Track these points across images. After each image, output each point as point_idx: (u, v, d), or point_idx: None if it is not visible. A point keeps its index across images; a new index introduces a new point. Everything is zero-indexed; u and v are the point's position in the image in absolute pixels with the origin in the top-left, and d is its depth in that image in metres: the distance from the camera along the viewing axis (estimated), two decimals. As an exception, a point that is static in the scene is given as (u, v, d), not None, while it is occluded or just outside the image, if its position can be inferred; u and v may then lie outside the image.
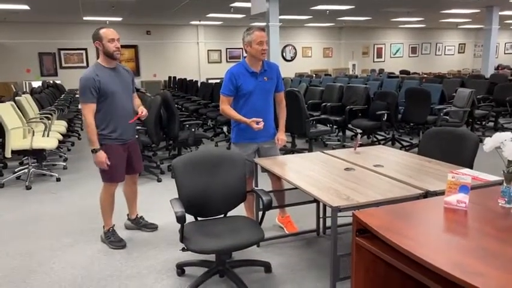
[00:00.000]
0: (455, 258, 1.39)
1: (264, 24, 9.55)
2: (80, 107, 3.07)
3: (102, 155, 2.97)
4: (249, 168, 3.00)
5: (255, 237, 2.39)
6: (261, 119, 2.98)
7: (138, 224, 3.49)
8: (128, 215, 3.51)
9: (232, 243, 2.36)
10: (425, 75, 13.64)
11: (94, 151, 2.97)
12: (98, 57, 3.08)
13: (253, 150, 3.16)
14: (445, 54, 20.87)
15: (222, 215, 2.68)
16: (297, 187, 2.44)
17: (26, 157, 5.16)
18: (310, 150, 5.52)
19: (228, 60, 16.56)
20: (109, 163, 3.01)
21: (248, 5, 9.05)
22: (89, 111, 2.93)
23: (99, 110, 2.98)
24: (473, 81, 8.68)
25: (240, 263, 2.79)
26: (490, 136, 1.89)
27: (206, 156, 2.69)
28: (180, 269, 2.75)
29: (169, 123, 5.25)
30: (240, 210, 2.78)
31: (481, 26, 12.73)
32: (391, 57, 19.61)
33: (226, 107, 3.12)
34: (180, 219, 2.24)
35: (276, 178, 3.15)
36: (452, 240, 1.57)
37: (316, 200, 3.02)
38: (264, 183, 3.14)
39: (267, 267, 2.74)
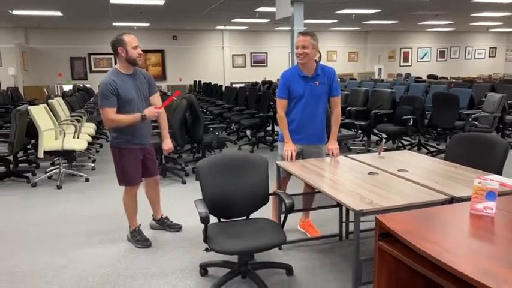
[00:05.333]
0: (482, 264, 1.37)
1: (288, 28, 9.57)
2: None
3: (150, 109, 3.07)
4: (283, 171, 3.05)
5: (277, 239, 2.40)
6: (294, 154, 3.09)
7: (163, 224, 3.56)
8: (152, 215, 3.59)
9: (254, 245, 2.38)
10: (453, 80, 13.31)
11: (143, 117, 3.03)
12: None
13: (296, 151, 3.17)
14: (475, 58, 20.30)
15: (245, 217, 2.71)
16: (320, 191, 2.44)
17: (57, 157, 5.35)
18: (333, 154, 5.49)
19: (253, 64, 16.67)
20: (159, 109, 3.12)
21: (273, 9, 9.10)
22: (110, 113, 2.97)
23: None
24: (504, 86, 8.42)
25: (262, 265, 2.81)
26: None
27: (230, 158, 2.73)
28: (203, 269, 2.79)
29: (194, 126, 5.33)
30: (262, 212, 2.80)
31: (513, 29, 12.34)
32: (418, 61, 19.24)
33: (281, 112, 3.18)
34: (204, 220, 2.28)
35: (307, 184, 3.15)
36: (478, 247, 1.54)
37: (339, 204, 3.02)
38: (295, 186, 3.16)
39: (289, 269, 2.75)
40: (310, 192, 3.17)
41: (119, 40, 3.01)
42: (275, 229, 2.51)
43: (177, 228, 3.54)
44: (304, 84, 3.11)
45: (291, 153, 3.06)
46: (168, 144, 3.38)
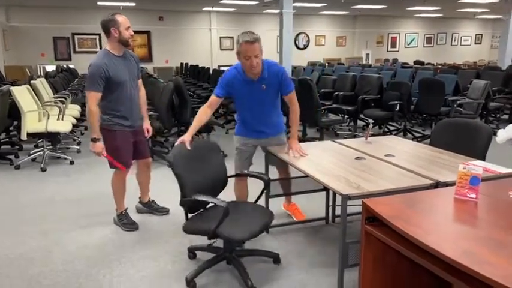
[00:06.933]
0: (464, 247, 1.40)
1: (277, 11, 9.45)
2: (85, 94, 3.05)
3: (100, 146, 3.02)
4: (241, 162, 3.02)
5: (267, 219, 2.41)
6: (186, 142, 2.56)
7: (150, 207, 3.55)
8: (139, 198, 3.58)
9: (257, 228, 2.33)
10: (439, 66, 13.42)
11: (94, 140, 2.99)
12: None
13: (252, 144, 3.05)
14: (461, 45, 20.48)
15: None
16: (307, 175, 2.46)
17: (41, 140, 5.25)
18: (321, 139, 5.52)
19: (240, 47, 16.48)
20: (105, 154, 3.06)
21: (262, -9, 8.98)
22: (93, 99, 2.92)
23: (110, 98, 3.00)
24: (489, 72, 8.53)
25: (249, 252, 2.79)
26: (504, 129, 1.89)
27: (195, 148, 2.58)
28: (192, 253, 2.80)
29: (181, 109, 5.29)
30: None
31: (499, 16, 12.44)
32: (405, 47, 19.32)
33: (205, 107, 2.87)
34: (227, 211, 2.20)
35: (282, 169, 3.15)
36: (461, 230, 1.58)
37: (325, 188, 3.04)
38: (271, 173, 3.17)
39: (276, 258, 2.73)
40: (296, 176, 3.17)
41: (111, 20, 2.93)
42: (261, 209, 2.52)
43: (164, 211, 3.54)
44: (249, 88, 2.81)
45: (179, 142, 2.56)
46: (148, 125, 3.35)
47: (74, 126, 5.84)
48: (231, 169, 2.98)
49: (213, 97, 2.86)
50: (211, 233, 2.26)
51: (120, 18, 2.95)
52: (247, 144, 3.04)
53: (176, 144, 2.55)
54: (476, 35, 20.69)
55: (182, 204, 2.40)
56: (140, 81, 3.31)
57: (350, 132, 6.72)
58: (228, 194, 2.81)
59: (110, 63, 2.94)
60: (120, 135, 3.09)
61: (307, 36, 17.15)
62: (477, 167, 1.83)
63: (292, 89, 2.94)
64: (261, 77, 2.79)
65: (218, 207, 2.46)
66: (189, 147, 2.52)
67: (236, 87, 2.83)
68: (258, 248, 2.88)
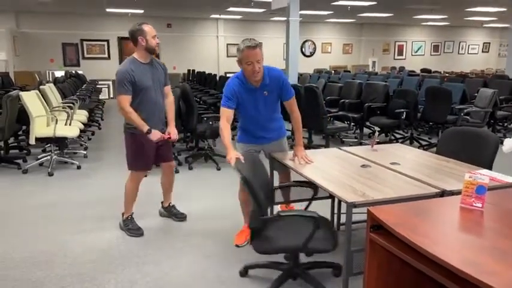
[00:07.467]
0: (470, 256, 1.40)
1: (284, 19, 9.51)
2: (116, 99, 3.12)
3: (157, 133, 3.15)
4: None
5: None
6: (239, 156, 2.49)
7: (169, 212, 3.60)
8: (162, 202, 3.63)
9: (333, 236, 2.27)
10: (446, 74, 13.38)
11: (148, 132, 3.10)
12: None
13: (254, 150, 3.04)
14: (468, 53, 20.40)
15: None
16: (313, 182, 2.46)
17: (49, 144, 5.31)
18: (327, 146, 5.52)
19: (247, 54, 16.55)
20: (165, 137, 3.21)
21: (269, -1, 9.04)
22: (125, 102, 3.05)
23: (133, 102, 3.09)
24: (496, 81, 8.48)
25: (313, 265, 2.67)
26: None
27: (253, 159, 2.55)
28: (245, 271, 2.65)
29: (188, 115, 5.32)
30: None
31: (507, 25, 12.40)
32: (412, 55, 19.29)
33: (224, 122, 2.80)
34: (317, 224, 2.14)
35: (284, 175, 3.15)
36: (467, 239, 1.58)
37: (331, 196, 3.03)
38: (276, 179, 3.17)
39: (338, 269, 2.62)
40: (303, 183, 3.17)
41: (139, 30, 3.07)
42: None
43: (182, 217, 3.56)
44: (252, 96, 2.85)
45: (235, 158, 2.46)
46: (172, 129, 3.36)
47: (81, 131, 5.89)
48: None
49: (226, 110, 2.83)
50: (302, 247, 2.16)
51: (147, 28, 3.08)
52: (250, 150, 3.05)
53: (232, 163, 2.41)
54: (483, 43, 20.61)
55: (258, 224, 2.21)
56: (168, 87, 3.39)
57: (356, 140, 6.71)
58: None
59: (135, 69, 3.06)
60: (140, 139, 3.15)
61: (314, 43, 17.20)
62: (483, 176, 1.82)
63: (293, 94, 2.96)
64: (262, 83, 2.83)
65: (270, 221, 2.36)
66: (243, 162, 2.41)
67: (240, 95, 2.85)
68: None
